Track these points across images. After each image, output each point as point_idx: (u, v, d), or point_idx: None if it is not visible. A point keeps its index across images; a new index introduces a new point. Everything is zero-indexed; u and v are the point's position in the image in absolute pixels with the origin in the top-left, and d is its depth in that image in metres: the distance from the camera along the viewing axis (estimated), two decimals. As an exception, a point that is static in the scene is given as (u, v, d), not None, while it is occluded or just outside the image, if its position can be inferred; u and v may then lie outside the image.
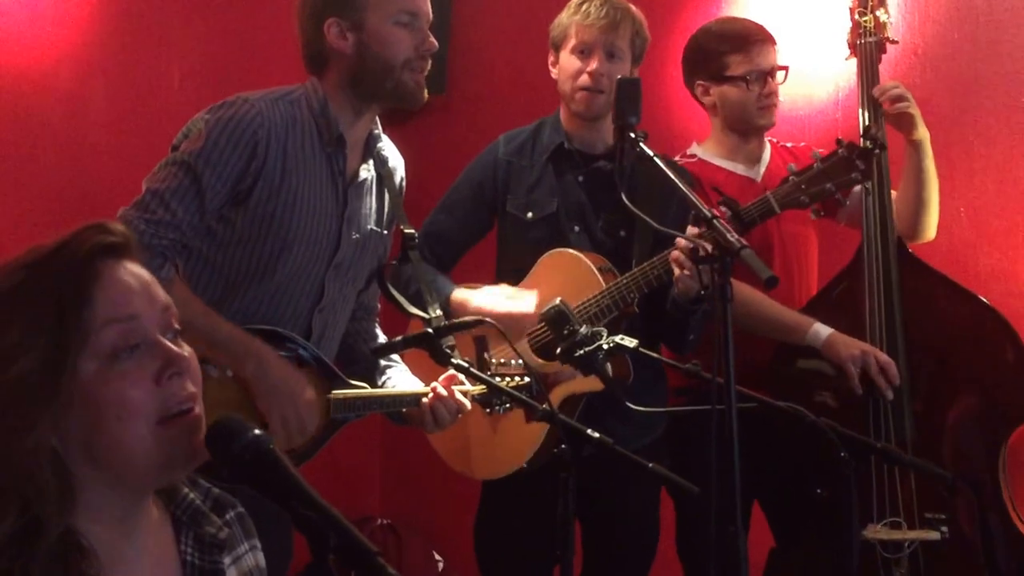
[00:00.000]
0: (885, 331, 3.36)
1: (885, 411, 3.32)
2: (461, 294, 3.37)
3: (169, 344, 1.47)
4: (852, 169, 2.95)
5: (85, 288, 1.41)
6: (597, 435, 2.36)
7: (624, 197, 2.79)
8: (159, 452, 1.43)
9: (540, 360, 3.32)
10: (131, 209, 2.66)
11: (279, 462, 1.37)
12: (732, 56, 3.61)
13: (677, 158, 3.59)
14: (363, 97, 2.86)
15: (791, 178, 3.01)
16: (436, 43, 2.90)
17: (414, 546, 5.37)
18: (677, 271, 3.05)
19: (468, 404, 2.97)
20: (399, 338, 2.77)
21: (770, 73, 3.61)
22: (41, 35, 4.00)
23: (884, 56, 3.62)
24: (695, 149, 3.72)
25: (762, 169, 3.70)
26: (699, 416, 3.38)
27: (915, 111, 3.48)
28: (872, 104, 3.51)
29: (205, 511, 1.62)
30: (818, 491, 3.30)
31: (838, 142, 2.99)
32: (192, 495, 1.62)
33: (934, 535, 3.19)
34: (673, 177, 2.59)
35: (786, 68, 3.65)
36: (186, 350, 1.50)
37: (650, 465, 2.39)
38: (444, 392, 2.93)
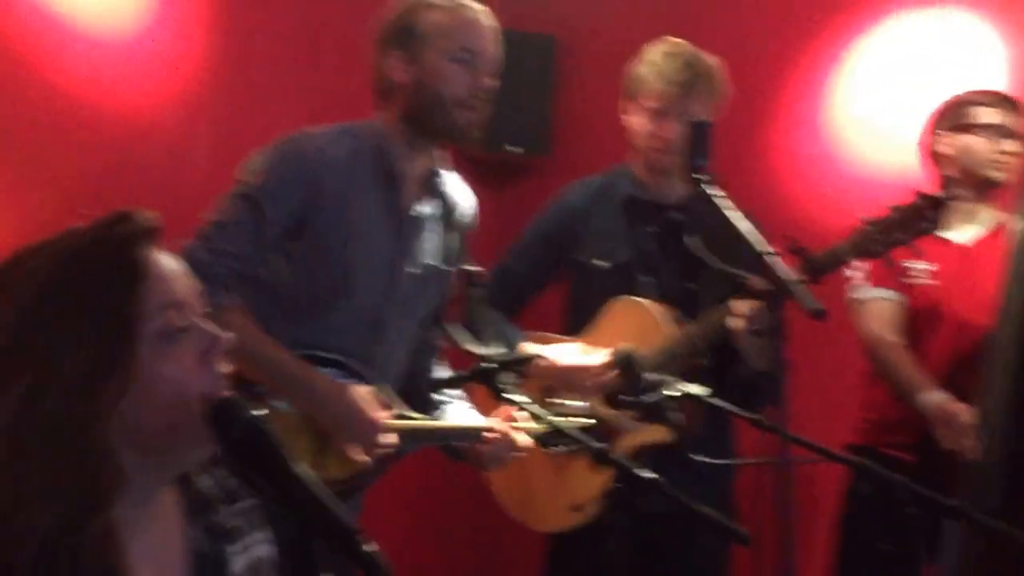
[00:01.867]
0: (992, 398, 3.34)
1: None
2: (531, 347, 3.37)
3: (213, 326, 1.50)
4: (923, 219, 2.93)
5: (136, 277, 1.43)
6: (650, 474, 2.35)
7: (688, 244, 2.86)
8: (197, 429, 1.43)
9: (608, 409, 3.26)
10: (193, 240, 2.73)
11: (271, 445, 1.40)
12: (980, 108, 3.71)
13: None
14: (417, 132, 2.91)
15: (866, 228, 2.99)
16: (493, 84, 2.93)
17: None
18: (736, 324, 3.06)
19: (524, 442, 2.97)
20: (457, 373, 2.86)
21: (1013, 135, 3.67)
22: (147, 80, 4.16)
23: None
24: None
25: (974, 235, 3.74)
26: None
27: None
28: None
29: (217, 500, 1.63)
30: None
31: (914, 192, 2.97)
32: (207, 483, 1.63)
33: None
34: (734, 217, 2.59)
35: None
36: (222, 332, 1.53)
37: (702, 508, 2.38)
38: (501, 428, 2.95)
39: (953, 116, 3.77)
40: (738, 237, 2.58)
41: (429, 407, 3.10)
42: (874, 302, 3.73)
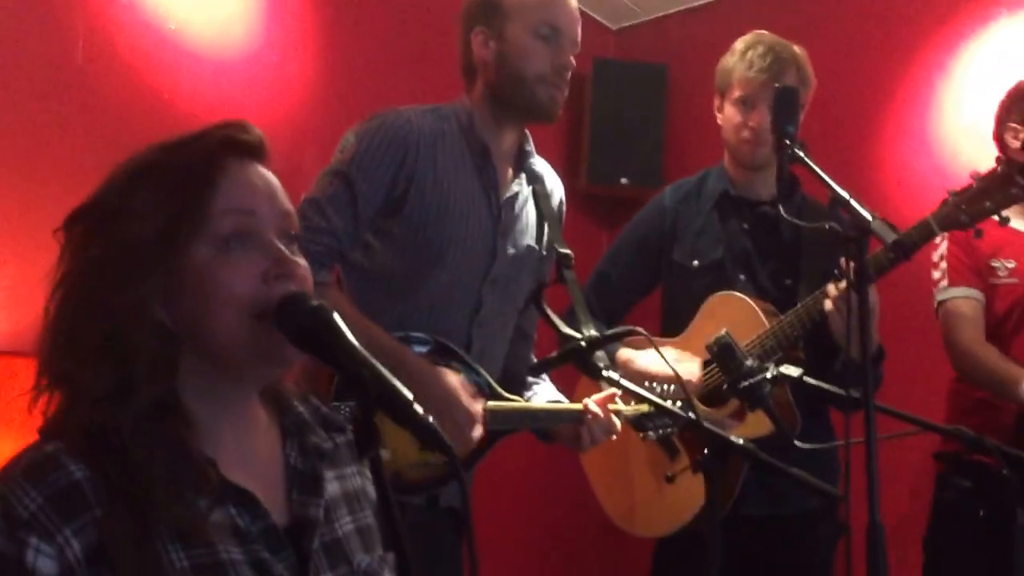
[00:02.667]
0: None
1: None
2: (626, 353, 3.40)
3: (282, 247, 1.55)
4: (1012, 185, 2.92)
5: (212, 176, 1.52)
6: (740, 441, 2.31)
7: (782, 210, 2.86)
8: (253, 345, 1.51)
9: (704, 408, 3.29)
10: None
11: (335, 326, 1.47)
12: None
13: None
14: (500, 107, 2.95)
15: (950, 199, 2.99)
16: (573, 62, 2.95)
17: None
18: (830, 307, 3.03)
19: (619, 424, 2.98)
20: (553, 354, 2.75)
21: None
22: (261, 101, 4.30)
23: None
24: None
25: None
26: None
27: None
28: None
29: (312, 424, 1.70)
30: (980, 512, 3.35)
31: (997, 159, 2.96)
32: (302, 409, 1.71)
33: None
34: (827, 179, 2.53)
35: None
36: (301, 261, 1.58)
37: (792, 469, 2.33)
38: (597, 410, 2.95)
39: (1021, 106, 3.74)
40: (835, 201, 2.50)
41: (525, 391, 3.12)
42: (957, 301, 3.70)
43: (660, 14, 6.05)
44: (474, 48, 2.96)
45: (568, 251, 3.10)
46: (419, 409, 1.41)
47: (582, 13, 3.02)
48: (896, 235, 2.38)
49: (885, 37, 5.05)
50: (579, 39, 2.98)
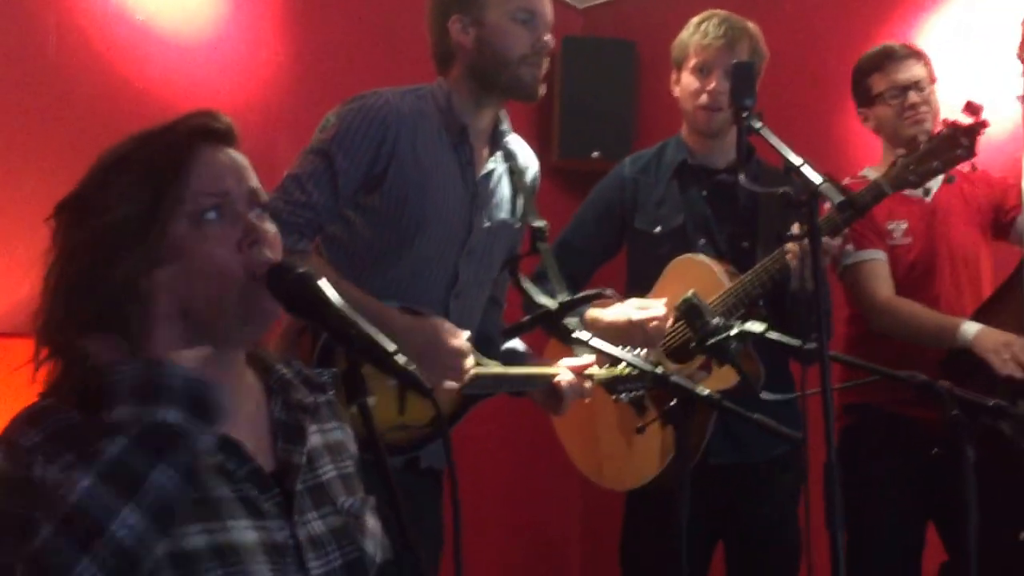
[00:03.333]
0: None
1: None
2: (593, 312, 3.51)
3: (251, 218, 1.70)
4: (956, 146, 3.14)
5: (184, 162, 1.67)
6: (707, 392, 2.46)
7: (743, 178, 3.02)
8: (237, 306, 1.66)
9: (671, 364, 3.45)
10: (273, 193, 2.87)
11: (320, 289, 1.64)
12: (872, 76, 3.87)
13: (846, 180, 3.69)
14: (483, 88, 3.08)
15: (899, 160, 3.20)
16: (552, 42, 3.09)
17: None
18: (793, 263, 3.19)
19: (590, 387, 3.12)
20: (525, 318, 2.96)
21: (911, 86, 3.79)
22: (229, 86, 4.40)
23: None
24: (867, 171, 3.87)
25: (933, 190, 3.81)
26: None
27: None
28: None
29: (295, 383, 1.86)
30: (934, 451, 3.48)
31: (943, 122, 3.15)
32: (285, 371, 1.86)
33: None
34: (781, 147, 2.66)
35: (935, 79, 3.82)
36: (270, 228, 1.73)
37: (755, 416, 2.48)
38: (571, 375, 3.08)
39: (859, 93, 3.97)
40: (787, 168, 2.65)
41: (500, 357, 3.23)
42: (868, 264, 3.83)
43: (626, -8, 6.16)
44: (452, 34, 3.08)
45: (542, 224, 3.24)
46: (401, 358, 1.58)
47: (547, -6, 3.13)
48: (844, 196, 2.50)
49: (851, 9, 5.19)
50: (551, 19, 3.13)
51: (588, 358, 3.10)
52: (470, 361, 2.96)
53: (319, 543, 1.74)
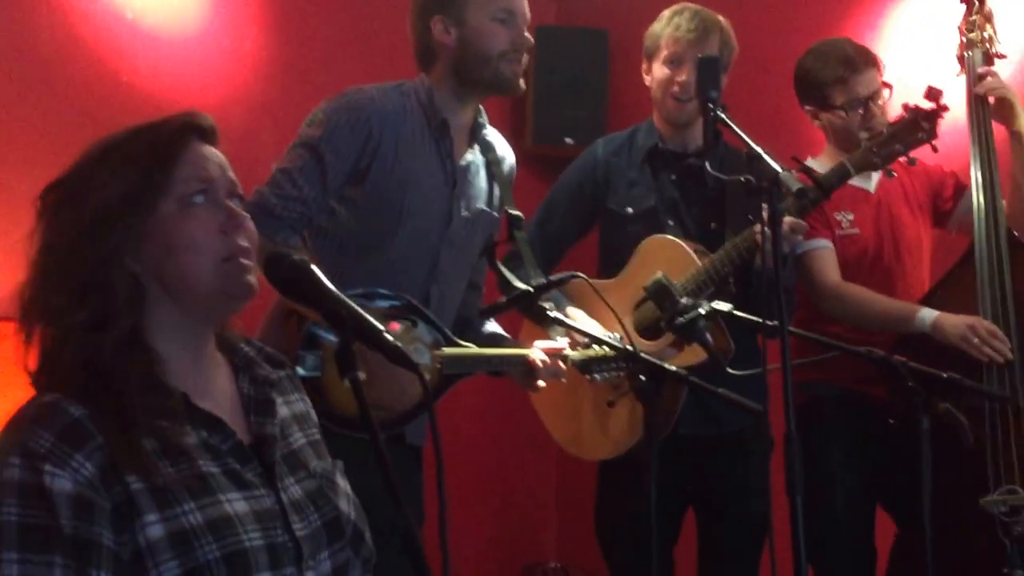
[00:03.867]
0: (999, 312, 3.59)
1: (1001, 379, 3.55)
2: (572, 312, 3.61)
3: (233, 206, 1.84)
4: (918, 130, 3.27)
5: (174, 152, 1.80)
6: (674, 368, 2.61)
7: (708, 166, 3.16)
8: (217, 284, 1.79)
9: (643, 341, 3.54)
10: (264, 187, 3.05)
11: (314, 275, 1.79)
12: (833, 87, 3.86)
13: (793, 171, 3.86)
14: (465, 85, 3.22)
15: (864, 144, 3.32)
16: (531, 39, 3.23)
17: None
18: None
19: (564, 368, 3.25)
20: (502, 300, 3.11)
21: (871, 98, 3.82)
22: (215, 79, 4.59)
23: (1012, 84, 3.89)
24: (811, 162, 3.80)
25: (875, 181, 3.94)
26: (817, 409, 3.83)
27: (1014, 99, 3.73)
28: (977, 106, 3.78)
29: (258, 360, 1.99)
30: (890, 421, 3.58)
31: (904, 107, 3.25)
32: (247, 349, 1.99)
33: None
34: (744, 136, 2.83)
35: (889, 87, 3.82)
36: (247, 215, 1.87)
37: (720, 390, 2.66)
38: (544, 356, 3.21)
39: (813, 96, 4.00)
40: (749, 157, 2.81)
41: (478, 338, 3.36)
42: (817, 252, 3.89)
43: (598, -19, 6.18)
44: (434, 34, 3.22)
45: (519, 213, 3.38)
46: (388, 336, 1.73)
47: (521, -16, 3.22)
48: (799, 185, 2.65)
49: (816, 6, 5.24)
50: (530, 17, 3.28)
51: (562, 342, 3.24)
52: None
53: (299, 506, 1.85)
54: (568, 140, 5.76)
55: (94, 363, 1.72)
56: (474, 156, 3.34)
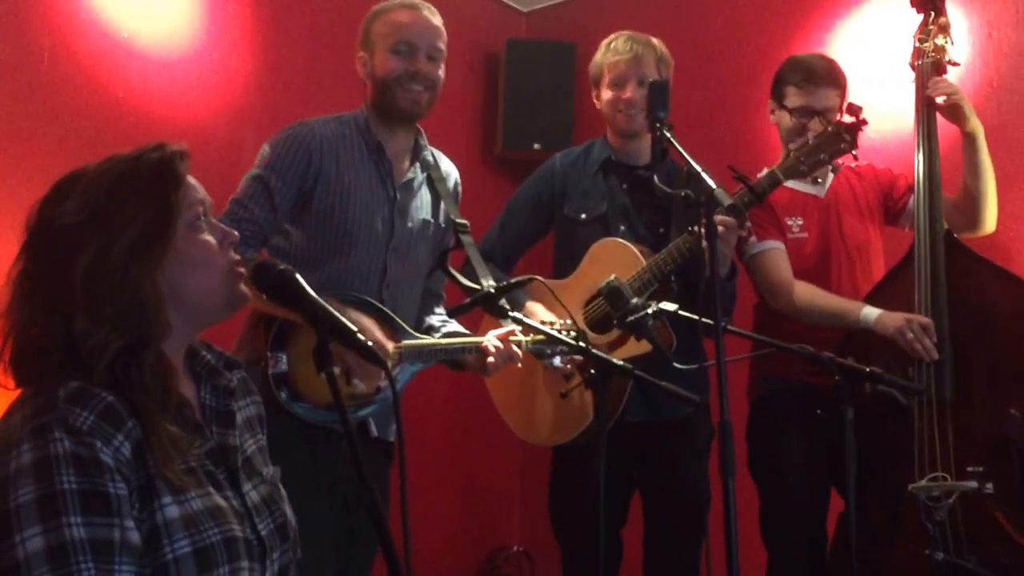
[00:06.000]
0: (931, 308, 3.69)
1: (929, 374, 3.65)
2: (530, 306, 3.88)
3: (224, 225, 2.04)
4: (840, 141, 3.43)
5: (179, 178, 1.97)
6: (621, 362, 2.77)
7: (656, 179, 3.33)
8: (222, 292, 1.99)
9: (593, 334, 3.72)
10: (220, 217, 3.10)
11: (297, 282, 1.98)
12: (791, 88, 4.01)
13: (759, 175, 3.69)
14: (378, 111, 3.49)
15: (791, 153, 3.48)
16: (429, 69, 3.47)
17: (547, 573, 5.67)
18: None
19: (520, 352, 3.42)
20: (465, 301, 3.26)
21: (822, 112, 3.91)
22: (200, 93, 4.72)
23: (966, 90, 4.00)
24: (765, 171, 3.90)
25: (826, 187, 4.10)
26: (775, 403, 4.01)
27: (965, 104, 3.82)
28: (925, 111, 3.89)
29: (219, 368, 2.11)
30: (818, 411, 3.71)
31: (830, 120, 3.42)
32: (208, 356, 2.11)
33: (974, 486, 3.35)
34: (685, 154, 2.98)
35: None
36: (235, 231, 2.06)
37: (662, 384, 2.79)
38: (498, 342, 3.37)
39: (775, 91, 4.14)
40: (689, 174, 2.96)
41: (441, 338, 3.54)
42: (769, 252, 4.04)
43: (567, -3, 6.31)
44: (358, 68, 3.52)
45: (464, 221, 3.60)
46: (361, 336, 1.94)
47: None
48: (731, 201, 2.82)
49: (770, 17, 5.40)
50: (438, 47, 3.51)
51: (510, 326, 3.38)
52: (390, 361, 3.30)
53: (259, 510, 1.99)
54: (536, 146, 5.95)
55: (127, 381, 1.84)
56: (415, 174, 3.58)
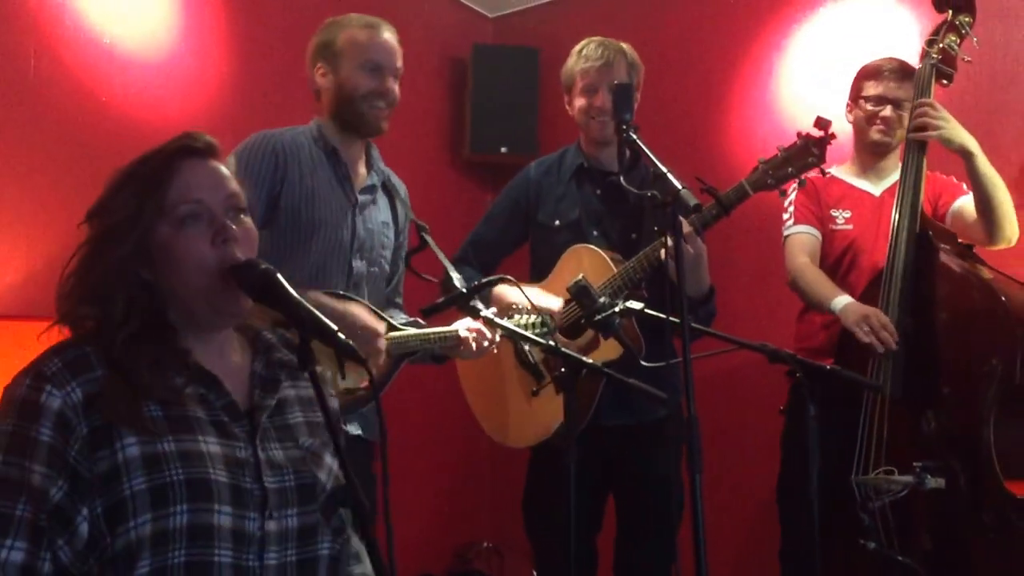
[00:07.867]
0: (891, 304, 3.71)
1: (883, 369, 3.69)
2: (500, 289, 3.88)
3: (224, 220, 1.98)
4: (808, 155, 3.44)
5: (164, 178, 1.97)
6: (590, 361, 2.76)
7: (623, 180, 3.34)
8: (208, 296, 1.96)
9: (564, 339, 3.74)
10: None
11: (280, 284, 1.94)
12: (867, 81, 4.12)
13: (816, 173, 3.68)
14: (338, 122, 3.56)
15: (760, 166, 3.47)
16: (394, 89, 3.56)
17: (516, 568, 5.84)
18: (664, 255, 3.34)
19: (496, 337, 3.51)
20: (440, 300, 3.22)
21: (894, 103, 4.04)
22: (182, 97, 4.78)
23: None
24: (833, 168, 4.10)
25: (884, 187, 4.14)
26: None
27: (944, 132, 3.79)
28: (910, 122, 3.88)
29: (278, 345, 2.16)
30: (780, 409, 3.78)
31: (798, 134, 3.43)
32: (269, 335, 2.16)
33: (927, 482, 3.40)
34: (651, 155, 2.92)
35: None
36: (245, 225, 2.04)
37: (630, 381, 2.77)
38: (476, 325, 3.49)
39: (852, 90, 4.20)
40: (655, 175, 2.89)
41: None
42: (797, 236, 4.14)
43: (532, 4, 6.42)
44: (317, 79, 3.58)
45: (423, 223, 3.66)
46: (342, 336, 1.88)
47: (461, 5, 3.55)
48: (696, 201, 2.77)
49: (730, 22, 5.47)
50: (400, 68, 3.59)
51: (486, 313, 3.33)
52: (382, 343, 3.37)
53: (276, 465, 1.99)
54: (503, 149, 5.99)
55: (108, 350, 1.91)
56: (373, 180, 3.66)
